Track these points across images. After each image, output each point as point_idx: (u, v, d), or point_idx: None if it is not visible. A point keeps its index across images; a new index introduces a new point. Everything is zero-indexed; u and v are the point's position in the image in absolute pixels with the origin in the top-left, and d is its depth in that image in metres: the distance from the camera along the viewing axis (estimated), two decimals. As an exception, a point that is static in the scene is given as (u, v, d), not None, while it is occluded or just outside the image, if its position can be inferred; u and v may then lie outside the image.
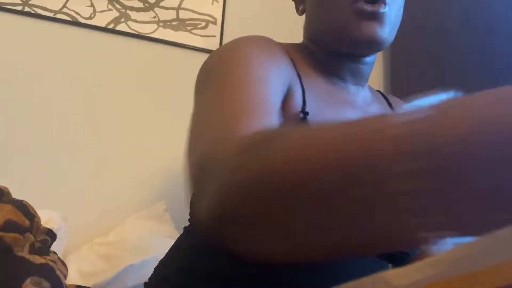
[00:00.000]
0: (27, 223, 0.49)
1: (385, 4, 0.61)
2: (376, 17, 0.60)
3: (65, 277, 0.51)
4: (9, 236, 0.43)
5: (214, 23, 1.79)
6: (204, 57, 1.85)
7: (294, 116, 0.57)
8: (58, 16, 1.57)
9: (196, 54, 1.73)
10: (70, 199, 1.41)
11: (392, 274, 0.21)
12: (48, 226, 0.79)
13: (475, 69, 1.47)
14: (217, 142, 0.40)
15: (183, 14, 1.75)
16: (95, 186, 1.46)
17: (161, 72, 1.65)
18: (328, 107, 0.63)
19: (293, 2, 0.79)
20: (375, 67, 2.19)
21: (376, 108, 0.73)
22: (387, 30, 0.62)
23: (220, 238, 0.36)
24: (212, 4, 1.81)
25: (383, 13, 0.61)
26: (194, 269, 0.61)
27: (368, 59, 0.70)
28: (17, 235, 0.44)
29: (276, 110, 0.49)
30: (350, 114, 0.65)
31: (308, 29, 0.72)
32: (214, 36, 1.78)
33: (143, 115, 1.58)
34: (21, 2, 1.53)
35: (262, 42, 0.61)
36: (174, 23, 1.73)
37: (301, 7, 0.74)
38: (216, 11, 1.81)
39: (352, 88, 0.71)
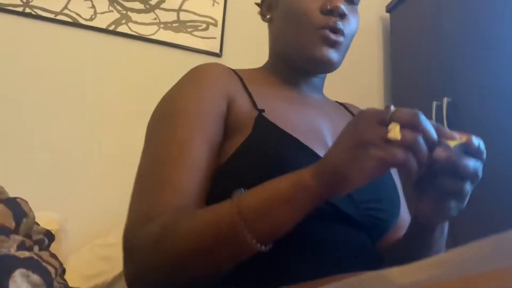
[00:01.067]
0: (13, 225, 0.50)
1: (344, 36, 0.71)
2: (335, 45, 0.71)
3: (56, 268, 0.51)
4: None
5: (215, 25, 1.79)
6: (204, 58, 1.86)
7: (247, 115, 0.65)
8: (59, 17, 1.57)
9: (197, 55, 1.73)
10: (70, 200, 1.41)
11: (395, 272, 0.20)
12: (49, 227, 0.79)
13: (475, 75, 1.47)
14: (137, 225, 0.56)
15: (183, 16, 1.75)
16: (95, 188, 1.46)
17: (162, 74, 1.65)
18: (284, 105, 0.71)
19: None
20: (375, 73, 2.19)
21: (333, 110, 0.80)
22: (341, 56, 0.73)
23: None
24: (213, 6, 1.81)
25: (341, 42, 0.71)
26: None
27: (321, 75, 0.80)
28: (2, 237, 0.45)
29: (197, 165, 0.60)
30: (305, 110, 0.73)
31: (273, 39, 0.79)
32: (215, 38, 1.78)
33: (144, 117, 1.57)
34: (22, 3, 1.53)
35: (197, 81, 0.69)
36: (174, 24, 1.73)
37: (268, 15, 0.80)
38: (216, 13, 1.81)
39: (307, 93, 0.78)
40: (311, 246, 0.57)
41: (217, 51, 1.76)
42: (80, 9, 1.61)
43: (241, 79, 0.73)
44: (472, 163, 0.48)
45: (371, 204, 0.64)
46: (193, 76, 0.71)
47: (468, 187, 0.49)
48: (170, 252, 0.51)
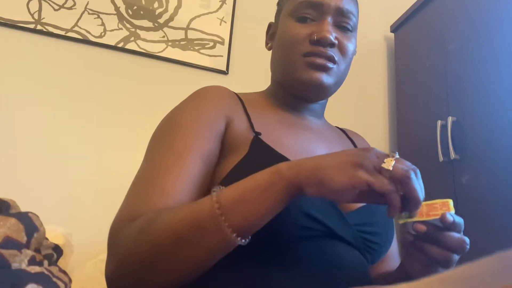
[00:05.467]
0: (24, 239, 0.50)
1: (334, 63, 0.73)
2: (324, 69, 0.72)
3: (65, 284, 0.51)
4: (6, 253, 0.44)
5: (222, 43, 1.82)
6: (211, 76, 1.89)
7: (243, 137, 0.67)
8: (70, 34, 1.60)
9: (204, 73, 1.76)
10: (75, 215, 1.41)
11: (402, 288, 0.21)
12: (54, 242, 0.80)
13: (479, 94, 1.48)
14: (123, 222, 0.58)
15: (191, 34, 1.78)
16: (100, 203, 1.46)
17: (169, 91, 1.67)
18: (281, 128, 0.73)
19: None
20: (380, 93, 2.20)
21: (331, 134, 0.82)
22: (333, 80, 0.74)
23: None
24: (220, 24, 1.84)
25: (330, 68, 0.72)
26: (201, 281, 0.61)
27: (320, 101, 0.81)
28: (14, 252, 0.45)
29: (190, 176, 0.62)
30: (302, 133, 0.75)
31: (272, 67, 0.82)
32: (222, 56, 1.80)
33: (151, 133, 1.59)
34: (34, 20, 1.56)
35: (201, 101, 0.71)
36: (182, 42, 1.76)
37: (269, 44, 0.85)
38: (224, 32, 1.84)
39: (307, 117, 0.80)
40: (304, 263, 0.58)
41: (224, 68, 1.79)
42: (90, 27, 1.64)
43: (242, 102, 0.75)
44: (456, 236, 0.51)
45: (365, 227, 0.65)
46: (196, 96, 0.73)
47: (455, 257, 0.52)
48: (149, 243, 0.51)
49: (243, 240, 0.50)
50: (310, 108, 0.81)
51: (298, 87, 0.75)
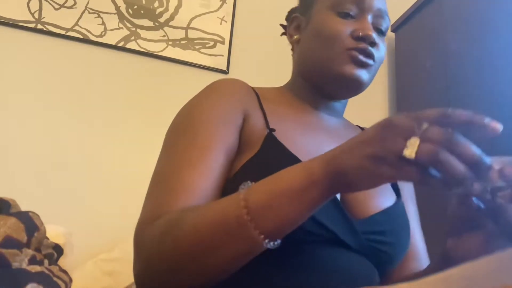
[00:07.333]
0: (25, 239, 0.50)
1: (374, 60, 0.73)
2: (365, 66, 0.72)
3: (66, 283, 0.51)
4: (7, 252, 0.44)
5: (222, 42, 1.82)
6: (211, 75, 1.88)
7: (258, 133, 0.66)
8: (70, 33, 1.60)
9: (204, 72, 1.76)
10: (75, 214, 1.41)
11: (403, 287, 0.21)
12: (54, 241, 0.79)
13: (481, 94, 1.48)
14: (146, 223, 0.56)
15: (192, 34, 1.78)
16: (100, 202, 1.46)
17: (169, 90, 1.67)
18: (295, 127, 0.71)
19: None
20: (381, 92, 2.19)
21: (348, 135, 0.78)
22: (369, 79, 0.75)
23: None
24: (221, 24, 1.84)
25: (371, 65, 0.73)
26: None
27: (342, 100, 0.81)
28: (15, 251, 0.45)
29: (210, 178, 0.60)
30: (318, 133, 0.73)
31: (299, 60, 0.80)
32: (222, 55, 1.80)
33: (151, 133, 1.59)
34: (34, 19, 1.56)
35: (218, 94, 0.70)
36: (183, 42, 1.76)
37: (296, 36, 0.82)
38: (224, 31, 1.84)
39: (325, 116, 0.79)
40: (305, 267, 0.57)
41: (224, 68, 1.79)
42: (91, 26, 1.64)
43: (258, 97, 0.74)
44: None
45: (374, 236, 0.63)
46: (214, 88, 0.72)
47: None
48: (173, 246, 0.50)
49: (273, 243, 0.48)
50: (332, 106, 0.80)
51: (334, 80, 0.73)
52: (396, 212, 0.69)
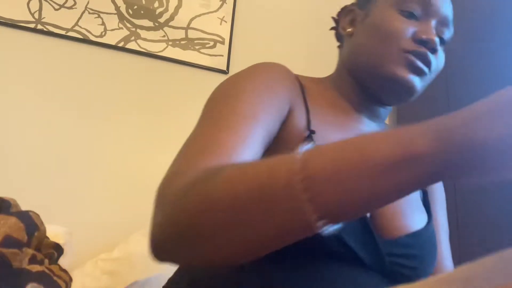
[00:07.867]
0: (25, 238, 0.50)
1: (430, 70, 0.67)
2: (420, 73, 0.66)
3: (66, 283, 0.51)
4: (7, 252, 0.44)
5: (222, 42, 1.82)
6: (211, 75, 1.88)
7: (298, 133, 0.61)
8: (70, 34, 1.60)
9: (204, 72, 1.76)
10: (75, 214, 1.41)
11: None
12: (54, 241, 0.80)
13: (479, 90, 1.48)
14: (175, 175, 0.48)
15: (191, 34, 1.78)
16: (100, 202, 1.46)
17: (169, 90, 1.67)
18: (335, 131, 0.66)
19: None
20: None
21: None
22: (421, 87, 0.68)
23: (169, 249, 0.44)
24: (220, 24, 1.84)
25: (426, 73, 0.67)
26: (204, 284, 0.61)
27: (388, 106, 0.74)
28: (15, 250, 0.45)
29: (250, 147, 0.53)
30: None
31: (350, 54, 0.74)
32: (222, 55, 1.80)
33: (151, 132, 1.59)
34: (34, 20, 1.56)
35: (269, 73, 0.64)
36: (182, 42, 1.76)
37: (349, 29, 0.76)
38: (224, 31, 1.84)
39: (366, 121, 0.73)
40: (318, 283, 0.53)
41: (224, 68, 1.79)
42: (91, 26, 1.64)
43: (302, 89, 0.68)
44: None
45: (398, 259, 0.59)
46: (265, 66, 0.66)
47: None
48: (201, 197, 0.41)
49: (327, 228, 0.36)
50: (375, 110, 0.73)
51: (383, 81, 0.68)
52: (426, 236, 0.65)
